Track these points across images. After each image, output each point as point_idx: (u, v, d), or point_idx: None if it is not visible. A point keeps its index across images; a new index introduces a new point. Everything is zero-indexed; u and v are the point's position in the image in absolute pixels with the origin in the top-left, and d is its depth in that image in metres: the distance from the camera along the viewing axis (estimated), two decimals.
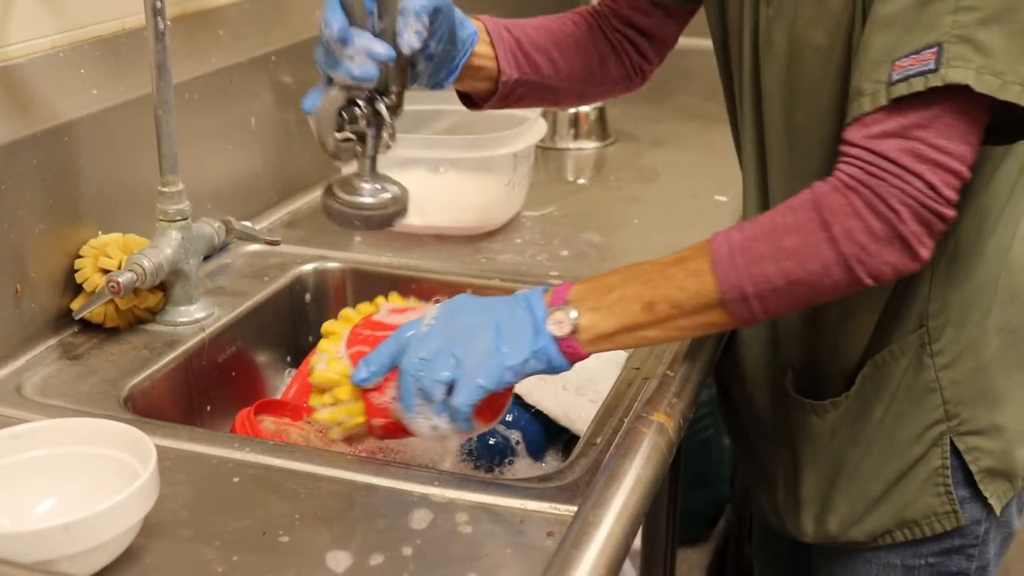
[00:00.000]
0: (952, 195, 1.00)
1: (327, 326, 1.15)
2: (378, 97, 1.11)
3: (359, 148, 1.13)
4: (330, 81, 1.10)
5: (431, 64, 1.18)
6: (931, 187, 0.99)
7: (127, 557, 0.93)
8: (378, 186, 1.14)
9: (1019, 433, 1.24)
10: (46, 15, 1.30)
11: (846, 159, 1.02)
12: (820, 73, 1.13)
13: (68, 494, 0.98)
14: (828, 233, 1.00)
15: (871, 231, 0.99)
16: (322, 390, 1.12)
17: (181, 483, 1.03)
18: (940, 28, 0.99)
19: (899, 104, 1.00)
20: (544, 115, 1.76)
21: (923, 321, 1.19)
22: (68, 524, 0.87)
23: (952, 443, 1.22)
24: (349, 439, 1.14)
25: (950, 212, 1.01)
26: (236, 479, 1.04)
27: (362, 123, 1.11)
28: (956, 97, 0.99)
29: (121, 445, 0.98)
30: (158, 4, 1.26)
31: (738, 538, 2.28)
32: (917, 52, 0.99)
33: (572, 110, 2.06)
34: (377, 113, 1.11)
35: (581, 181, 1.98)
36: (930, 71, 0.98)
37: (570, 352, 1.05)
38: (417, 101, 1.78)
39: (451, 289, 1.50)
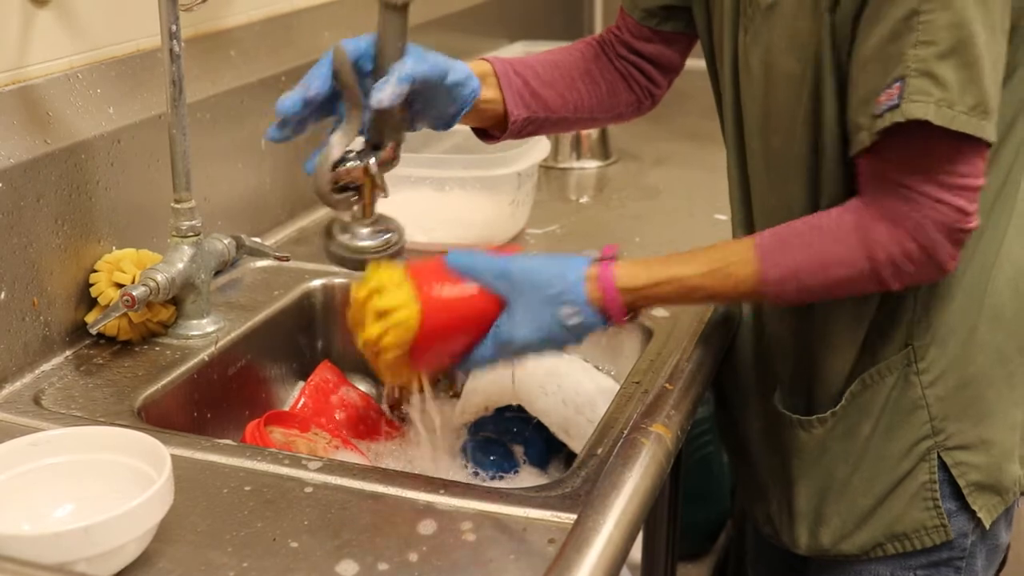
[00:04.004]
0: (975, 207, 1.08)
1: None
2: (371, 151, 1.16)
3: (355, 197, 1.17)
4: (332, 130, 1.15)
5: (425, 119, 1.22)
6: (960, 211, 1.07)
7: (143, 560, 0.96)
8: (376, 228, 1.19)
9: (1007, 448, 1.26)
10: (64, 37, 1.34)
11: (880, 189, 1.08)
12: (793, 99, 1.17)
13: (85, 499, 1.01)
14: (872, 264, 1.09)
15: (911, 257, 1.09)
16: (376, 309, 1.12)
17: (194, 491, 1.06)
18: (903, 61, 1.04)
19: (901, 136, 1.05)
20: (547, 135, 1.79)
21: (909, 340, 1.23)
22: (88, 527, 0.90)
23: (940, 458, 1.24)
24: (391, 366, 1.14)
25: (975, 223, 1.08)
26: (247, 488, 1.07)
27: (356, 174, 1.15)
28: (936, 128, 1.04)
29: (136, 452, 1.01)
30: (173, 27, 1.29)
31: (739, 553, 2.30)
32: (889, 87, 1.05)
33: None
34: (368, 168, 1.16)
35: (584, 200, 2.01)
36: (894, 107, 1.04)
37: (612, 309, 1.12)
38: None
39: None
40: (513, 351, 1.14)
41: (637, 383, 1.27)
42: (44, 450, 1.02)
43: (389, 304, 1.11)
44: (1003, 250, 1.24)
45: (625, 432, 1.15)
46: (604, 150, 2.15)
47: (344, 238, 1.18)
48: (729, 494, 2.16)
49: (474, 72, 1.26)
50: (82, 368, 1.30)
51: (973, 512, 1.26)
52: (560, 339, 1.13)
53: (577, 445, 1.35)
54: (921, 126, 1.04)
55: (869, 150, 1.09)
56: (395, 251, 1.20)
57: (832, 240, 1.10)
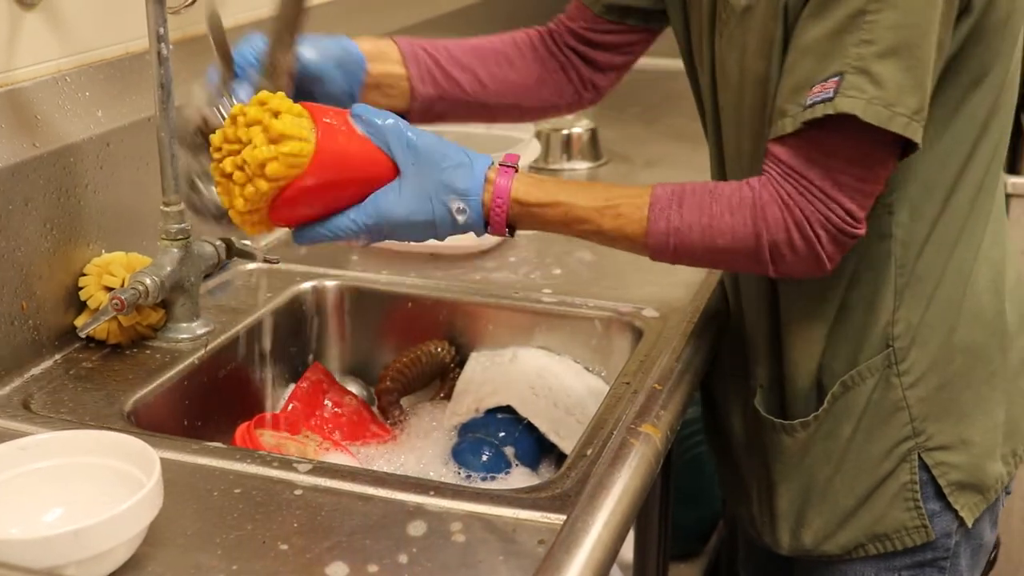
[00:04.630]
0: (864, 214, 1.09)
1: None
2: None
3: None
4: None
5: (321, 98, 1.21)
6: (849, 213, 1.08)
7: (132, 564, 0.96)
8: None
9: (989, 447, 1.27)
10: (52, 39, 1.33)
11: (780, 175, 1.09)
12: (764, 102, 1.17)
13: (74, 503, 1.01)
14: (758, 242, 1.10)
15: (793, 246, 1.10)
16: (271, 130, 1.04)
17: (183, 494, 1.06)
18: (844, 58, 1.05)
19: (820, 129, 1.06)
20: (537, 136, 1.79)
21: (889, 342, 1.23)
22: (77, 531, 0.89)
23: (920, 458, 1.25)
24: (252, 201, 1.06)
25: (862, 231, 1.09)
26: (237, 490, 1.07)
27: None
28: (866, 124, 1.05)
29: (125, 456, 1.01)
30: (160, 29, 1.29)
31: (730, 554, 2.30)
32: (825, 80, 1.06)
33: (564, 131, 2.09)
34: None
35: None
36: (828, 99, 1.05)
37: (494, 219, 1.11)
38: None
39: (448, 308, 1.53)
40: (387, 226, 1.10)
41: (627, 383, 1.27)
42: (33, 454, 1.02)
43: (287, 130, 1.03)
44: (981, 251, 1.24)
45: (615, 432, 1.15)
46: (595, 151, 2.15)
47: (204, 187, 1.16)
48: (721, 495, 2.16)
49: (374, 49, 1.27)
50: (71, 372, 1.30)
51: (956, 512, 1.26)
52: (439, 229, 1.11)
53: (567, 446, 1.35)
54: (844, 124, 1.05)
55: (781, 139, 1.09)
56: None
57: (726, 208, 1.11)
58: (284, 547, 0.99)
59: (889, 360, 1.23)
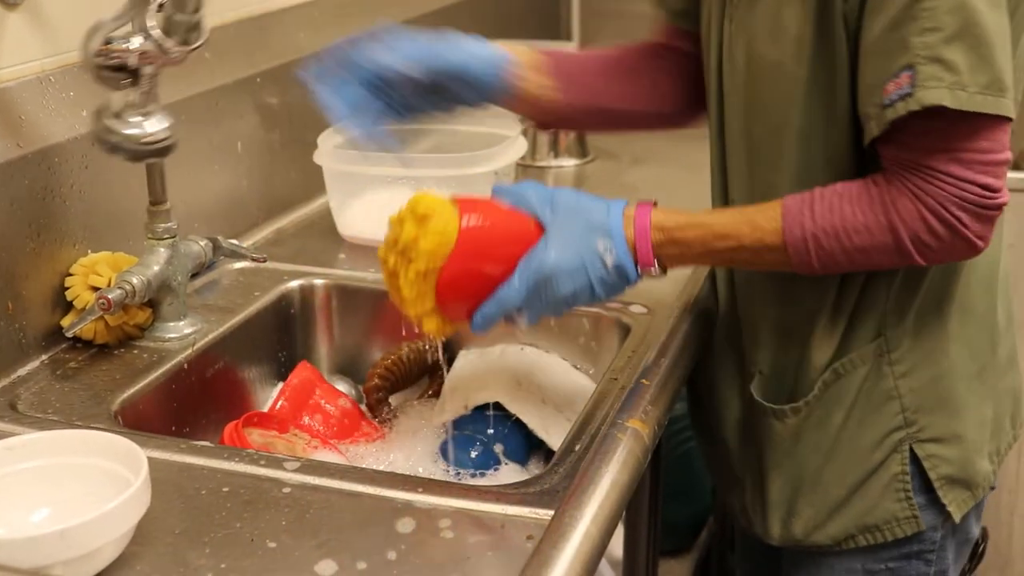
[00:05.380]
0: (1003, 182, 1.09)
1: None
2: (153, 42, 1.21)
3: (127, 81, 1.23)
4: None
5: (447, 105, 1.27)
6: (985, 187, 1.08)
7: (120, 563, 0.96)
8: (147, 120, 1.24)
9: (978, 443, 1.27)
10: (35, 40, 1.33)
11: (904, 169, 1.09)
12: (776, 89, 1.17)
13: (62, 503, 1.00)
14: (895, 236, 1.10)
15: (936, 234, 1.09)
16: (415, 212, 1.12)
17: (171, 493, 1.06)
18: (911, 50, 1.05)
19: (918, 121, 1.06)
20: (524, 133, 1.79)
21: (881, 330, 1.23)
22: (63, 530, 0.89)
23: (911, 450, 1.25)
24: (414, 284, 1.12)
25: (1005, 198, 1.09)
26: (225, 489, 1.07)
27: (126, 57, 1.21)
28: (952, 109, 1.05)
29: (113, 455, 1.01)
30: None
31: (721, 549, 2.31)
32: (896, 76, 1.06)
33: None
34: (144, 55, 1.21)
35: None
36: (907, 94, 1.04)
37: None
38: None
39: None
40: (542, 280, 1.12)
41: (614, 379, 1.27)
42: (20, 454, 1.02)
43: (429, 209, 1.11)
44: None
45: (602, 428, 1.15)
46: (581, 148, 2.15)
47: (111, 121, 1.23)
48: (711, 490, 2.16)
49: (522, 57, 1.29)
50: (58, 372, 1.30)
51: (943, 506, 1.27)
52: (591, 273, 1.13)
53: (556, 442, 1.35)
54: (937, 111, 1.05)
55: (884, 138, 1.09)
56: (163, 147, 1.26)
57: (855, 207, 1.11)
58: (272, 545, 0.99)
59: (881, 348, 1.24)
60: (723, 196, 1.31)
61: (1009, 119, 1.08)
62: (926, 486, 1.26)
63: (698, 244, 1.15)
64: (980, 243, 1.10)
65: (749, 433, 1.34)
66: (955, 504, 1.27)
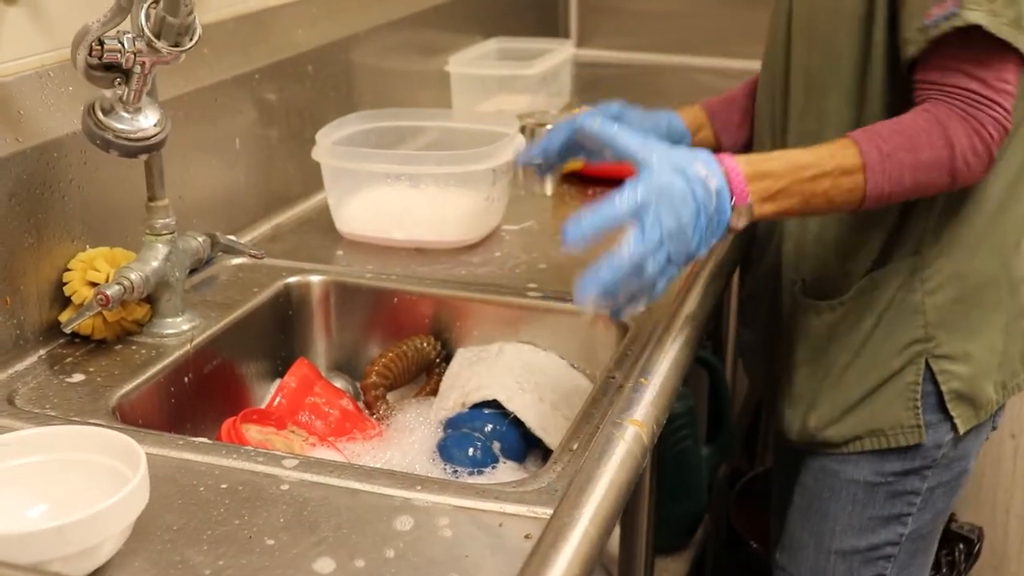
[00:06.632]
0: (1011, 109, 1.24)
1: None
2: (144, 41, 1.23)
3: (119, 80, 1.25)
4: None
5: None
6: (1006, 111, 1.23)
7: (118, 559, 0.96)
8: (136, 116, 1.26)
9: (987, 367, 1.38)
10: (35, 35, 1.33)
11: (946, 94, 1.22)
12: (837, 16, 1.30)
13: (59, 499, 1.00)
14: (952, 152, 1.21)
15: (977, 152, 1.22)
16: None
17: (169, 489, 1.06)
18: None
19: (956, 47, 1.20)
20: (522, 130, 1.79)
21: (919, 248, 1.35)
22: (61, 527, 0.89)
23: (927, 363, 1.36)
24: None
25: (1011, 123, 1.24)
26: (223, 485, 1.07)
27: (118, 57, 1.22)
28: (985, 36, 1.19)
29: (111, 451, 1.01)
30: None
31: (716, 547, 2.31)
32: (940, 1, 1.19)
33: (548, 125, 2.08)
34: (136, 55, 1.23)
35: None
36: (953, 14, 1.19)
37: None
38: (397, 117, 1.81)
39: (433, 303, 1.53)
40: (652, 195, 1.10)
41: (612, 378, 1.27)
42: (17, 450, 1.02)
43: None
44: (1021, 205, 1.36)
45: (600, 427, 1.15)
46: None
47: (103, 117, 1.25)
48: (706, 488, 2.17)
49: (692, 120, 1.56)
50: (56, 367, 1.30)
51: (950, 425, 1.38)
52: (699, 198, 1.12)
53: (553, 440, 1.36)
54: (973, 37, 1.19)
55: (925, 63, 1.23)
56: (154, 142, 1.28)
57: (918, 128, 1.21)
58: (271, 542, 0.99)
59: (916, 265, 1.36)
60: (779, 136, 1.42)
61: (1022, 58, 1.22)
62: (938, 404, 1.37)
63: (784, 175, 1.19)
64: (991, 167, 1.24)
65: (786, 331, 1.46)
66: (961, 419, 1.38)
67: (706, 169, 1.14)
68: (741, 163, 1.18)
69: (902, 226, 1.35)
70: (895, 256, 1.36)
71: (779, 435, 1.52)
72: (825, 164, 1.20)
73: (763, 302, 1.54)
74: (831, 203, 1.21)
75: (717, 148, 1.50)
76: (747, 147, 1.57)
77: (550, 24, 2.90)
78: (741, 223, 1.18)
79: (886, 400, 1.38)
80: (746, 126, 1.59)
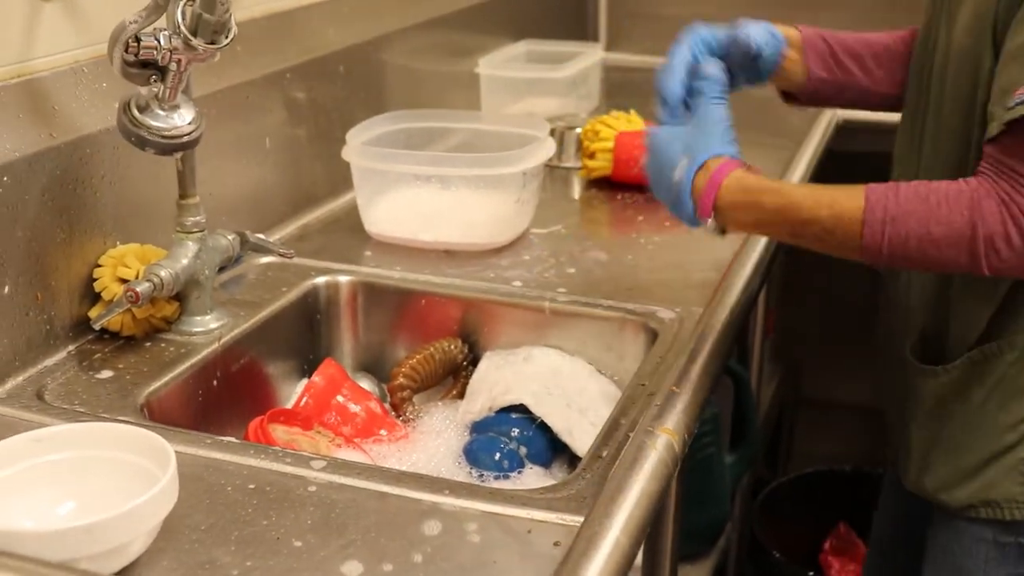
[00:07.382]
0: None
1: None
2: (181, 39, 1.23)
3: (155, 77, 1.26)
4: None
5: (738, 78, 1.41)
6: None
7: (146, 558, 0.96)
8: (171, 115, 1.28)
9: None
10: (70, 30, 1.33)
11: (996, 172, 1.14)
12: (965, 78, 1.24)
13: (88, 496, 1.00)
14: (973, 232, 1.13)
15: (1010, 241, 1.13)
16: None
17: (197, 488, 1.06)
18: None
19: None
20: (551, 133, 1.78)
21: None
22: (90, 525, 0.89)
23: None
24: None
25: None
26: (251, 486, 1.07)
27: (154, 54, 1.23)
28: None
29: (140, 450, 1.00)
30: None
31: (738, 556, 2.30)
32: None
33: (578, 129, 2.08)
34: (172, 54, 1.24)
35: (588, 200, 2.00)
36: None
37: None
38: (427, 118, 1.81)
39: (461, 306, 1.53)
40: (651, 146, 1.29)
41: (643, 385, 1.26)
42: (47, 446, 1.02)
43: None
44: None
45: (632, 435, 1.14)
46: None
47: (139, 115, 1.26)
48: (729, 496, 2.16)
49: (783, 34, 1.44)
50: (85, 363, 1.30)
51: None
52: (665, 172, 1.26)
53: (580, 447, 1.35)
54: None
55: (994, 139, 1.14)
56: (189, 141, 1.29)
57: (943, 198, 1.14)
58: (298, 544, 0.98)
59: None
60: (915, 156, 1.37)
61: None
62: None
63: (770, 211, 1.20)
64: None
65: (901, 389, 1.41)
66: None
67: (686, 160, 1.24)
68: (734, 178, 1.22)
69: (1012, 302, 1.27)
70: (1007, 331, 1.28)
71: (894, 482, 1.48)
72: (821, 212, 1.18)
73: (886, 349, 1.48)
74: (824, 247, 1.21)
75: (807, 77, 1.45)
76: (849, 91, 1.49)
77: (579, 27, 2.89)
78: (714, 231, 1.25)
79: (999, 474, 1.32)
80: (846, 65, 1.48)
